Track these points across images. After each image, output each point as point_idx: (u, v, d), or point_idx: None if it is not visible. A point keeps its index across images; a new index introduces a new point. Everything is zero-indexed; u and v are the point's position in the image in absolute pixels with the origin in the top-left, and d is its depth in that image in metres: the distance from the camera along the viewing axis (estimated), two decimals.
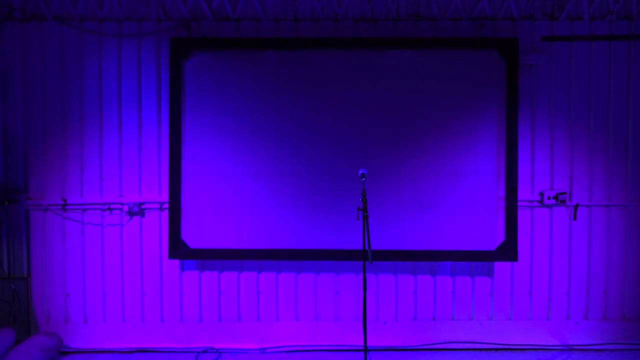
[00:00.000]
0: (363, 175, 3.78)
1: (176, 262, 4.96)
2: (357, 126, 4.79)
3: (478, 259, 4.82)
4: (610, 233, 4.98)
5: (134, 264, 4.97)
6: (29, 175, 4.94)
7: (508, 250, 4.78)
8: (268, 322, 4.99)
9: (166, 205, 4.88)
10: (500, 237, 4.79)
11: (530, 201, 4.95)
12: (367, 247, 3.60)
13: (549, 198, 4.89)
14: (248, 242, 4.81)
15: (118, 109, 4.95)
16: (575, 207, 4.93)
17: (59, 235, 4.95)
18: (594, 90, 4.95)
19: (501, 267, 4.99)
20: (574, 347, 4.86)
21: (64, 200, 4.91)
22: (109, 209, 4.94)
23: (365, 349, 3.76)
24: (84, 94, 4.93)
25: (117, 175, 4.95)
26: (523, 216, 4.92)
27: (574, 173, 4.97)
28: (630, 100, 4.94)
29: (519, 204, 4.84)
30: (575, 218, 4.94)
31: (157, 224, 4.95)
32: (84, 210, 4.95)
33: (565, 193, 4.91)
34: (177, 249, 4.81)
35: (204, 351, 4.83)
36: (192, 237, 4.82)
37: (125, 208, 4.91)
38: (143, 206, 4.94)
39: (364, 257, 3.67)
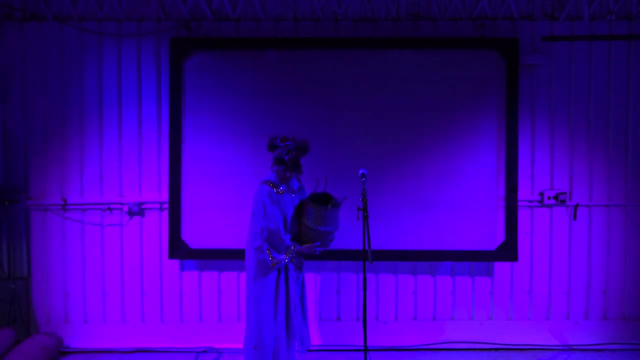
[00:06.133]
0: (363, 175, 3.77)
1: (176, 262, 4.96)
2: (357, 126, 4.78)
3: (478, 259, 4.82)
4: (610, 233, 4.97)
5: (134, 264, 4.96)
6: (29, 175, 4.94)
7: (508, 250, 4.78)
8: None
9: (166, 205, 4.87)
10: (500, 237, 4.79)
11: (530, 201, 4.95)
12: (367, 247, 3.59)
13: (549, 198, 4.89)
14: None
15: (118, 109, 4.95)
16: (575, 207, 4.92)
17: (59, 235, 4.95)
18: (594, 90, 4.94)
19: (501, 267, 4.98)
20: (574, 347, 4.86)
21: (64, 200, 4.91)
22: (109, 209, 4.94)
23: (365, 349, 3.76)
24: (83, 94, 4.93)
25: (117, 175, 4.95)
26: (523, 216, 4.91)
27: (574, 173, 4.96)
28: (630, 100, 4.94)
29: (519, 203, 4.83)
30: (575, 218, 4.94)
31: (157, 224, 4.95)
32: (84, 210, 4.95)
33: (565, 193, 4.91)
34: (177, 249, 4.81)
35: (204, 351, 4.82)
36: (192, 237, 4.81)
37: (125, 208, 4.90)
38: (143, 206, 4.94)
39: (364, 257, 3.67)
